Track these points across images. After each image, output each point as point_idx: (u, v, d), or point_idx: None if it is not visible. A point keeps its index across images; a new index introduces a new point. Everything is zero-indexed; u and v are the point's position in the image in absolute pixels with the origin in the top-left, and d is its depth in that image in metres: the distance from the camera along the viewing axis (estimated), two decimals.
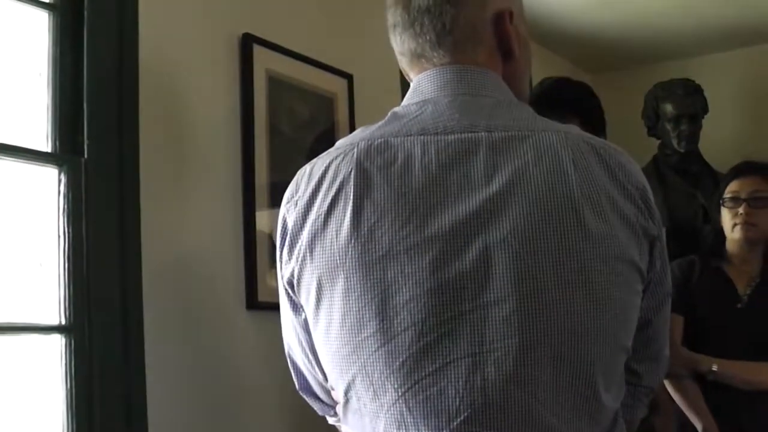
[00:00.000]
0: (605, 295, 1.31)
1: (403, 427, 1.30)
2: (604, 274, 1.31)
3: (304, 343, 1.47)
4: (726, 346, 3.17)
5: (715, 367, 3.13)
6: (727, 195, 3.30)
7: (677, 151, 4.68)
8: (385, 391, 1.30)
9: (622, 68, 4.70)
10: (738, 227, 3.27)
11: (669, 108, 4.68)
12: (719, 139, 4.95)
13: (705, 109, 4.75)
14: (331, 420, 1.64)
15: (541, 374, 1.28)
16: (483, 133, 1.36)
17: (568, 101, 2.68)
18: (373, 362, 1.31)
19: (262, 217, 2.98)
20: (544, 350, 1.28)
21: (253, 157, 2.99)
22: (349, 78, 3.50)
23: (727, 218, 3.29)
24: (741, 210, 3.25)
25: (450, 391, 1.27)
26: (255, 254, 2.94)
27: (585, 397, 1.31)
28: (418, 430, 1.29)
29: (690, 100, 4.67)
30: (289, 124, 3.18)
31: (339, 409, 1.44)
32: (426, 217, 1.31)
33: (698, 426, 3.11)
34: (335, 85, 3.43)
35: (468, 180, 1.32)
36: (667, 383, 3.14)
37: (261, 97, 3.07)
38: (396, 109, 1.47)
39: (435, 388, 1.28)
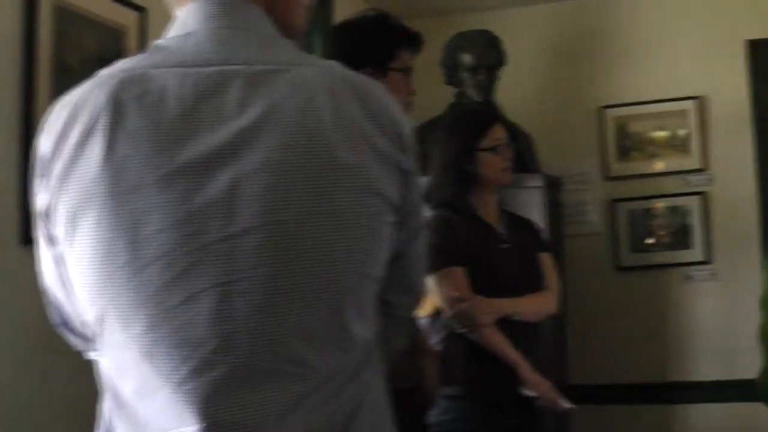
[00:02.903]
0: (354, 225, 1.35)
1: (153, 357, 1.30)
2: (353, 204, 1.34)
3: (62, 276, 1.44)
4: (504, 287, 3.33)
5: (517, 308, 3.30)
6: (497, 142, 3.42)
7: (474, 100, 4.78)
8: (135, 323, 1.30)
9: (421, 17, 4.74)
10: (508, 171, 3.42)
11: (467, 58, 4.78)
12: (515, 91, 5.09)
13: (502, 61, 4.86)
14: (91, 355, 1.62)
15: (290, 304, 1.30)
16: (241, 66, 1.37)
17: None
18: (123, 294, 1.30)
19: None
20: (293, 280, 1.30)
21: (33, 89, 2.88)
22: (142, 11, 3.41)
23: (496, 163, 3.40)
24: (509, 155, 3.43)
25: (198, 321, 1.28)
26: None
27: (334, 327, 1.35)
28: (167, 360, 1.29)
29: (488, 52, 4.79)
30: (77, 57, 3.08)
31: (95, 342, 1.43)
32: (177, 148, 1.31)
33: (517, 368, 3.26)
34: (126, 18, 3.33)
35: (221, 112, 1.33)
36: (475, 335, 3.27)
37: (45, 27, 2.95)
38: (158, 41, 1.45)
39: (184, 318, 1.28)
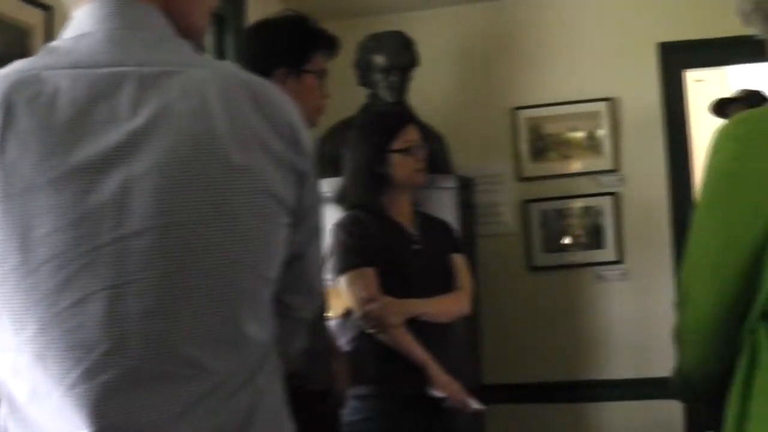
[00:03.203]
0: (247, 227, 1.36)
1: (46, 360, 1.29)
2: (246, 206, 1.36)
3: None
4: (415, 287, 3.35)
5: (426, 309, 3.32)
6: (409, 144, 3.44)
7: (386, 101, 4.78)
8: (28, 325, 1.29)
9: (335, 18, 4.71)
10: (421, 172, 3.43)
11: (380, 59, 4.78)
12: (428, 92, 5.09)
13: (415, 62, 4.87)
14: None
15: (183, 306, 1.31)
16: (134, 68, 1.37)
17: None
18: (15, 296, 1.29)
19: None
20: (186, 282, 1.31)
21: None
22: (48, 10, 3.33)
23: (408, 164, 3.42)
24: (422, 156, 3.44)
25: (90, 323, 1.28)
26: None
27: (227, 329, 1.36)
28: (59, 363, 1.28)
29: (401, 53, 4.79)
30: None
31: None
32: (69, 150, 1.30)
33: (426, 368, 3.29)
34: (32, 17, 3.26)
35: (113, 113, 1.33)
36: (384, 335, 3.30)
37: None
38: (53, 42, 1.45)
39: (75, 321, 1.28)
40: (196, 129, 1.34)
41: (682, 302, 1.74)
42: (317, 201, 1.53)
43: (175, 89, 1.36)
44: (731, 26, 1.78)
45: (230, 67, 1.48)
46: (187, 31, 1.50)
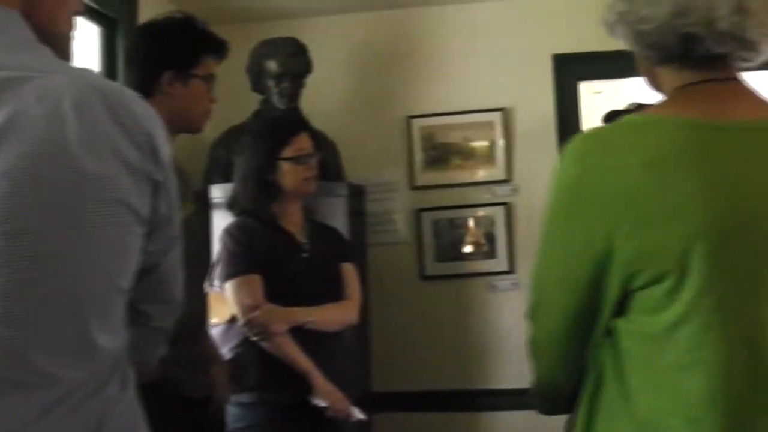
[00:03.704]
0: (98, 236, 1.34)
1: None
2: (97, 215, 1.34)
3: None
4: (302, 296, 3.35)
5: (311, 318, 3.31)
6: (301, 152, 3.43)
7: (278, 108, 4.74)
8: None
9: (229, 23, 4.66)
10: (311, 181, 3.41)
11: (272, 65, 4.75)
12: (322, 99, 5.06)
13: (308, 69, 4.84)
14: None
15: (31, 314, 1.29)
16: None
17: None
18: None
19: None
20: (34, 290, 1.29)
21: None
22: None
23: (298, 173, 3.42)
24: (312, 164, 3.42)
25: None
26: None
27: (77, 338, 1.34)
28: None
29: (293, 59, 4.77)
30: None
31: None
32: None
33: (309, 376, 3.30)
34: None
35: None
36: (267, 343, 3.31)
37: None
38: None
39: None
40: (48, 135, 1.31)
41: (531, 316, 1.75)
42: (174, 210, 1.52)
43: (30, 95, 1.33)
44: None
45: (89, 74, 1.45)
46: (48, 36, 1.48)
